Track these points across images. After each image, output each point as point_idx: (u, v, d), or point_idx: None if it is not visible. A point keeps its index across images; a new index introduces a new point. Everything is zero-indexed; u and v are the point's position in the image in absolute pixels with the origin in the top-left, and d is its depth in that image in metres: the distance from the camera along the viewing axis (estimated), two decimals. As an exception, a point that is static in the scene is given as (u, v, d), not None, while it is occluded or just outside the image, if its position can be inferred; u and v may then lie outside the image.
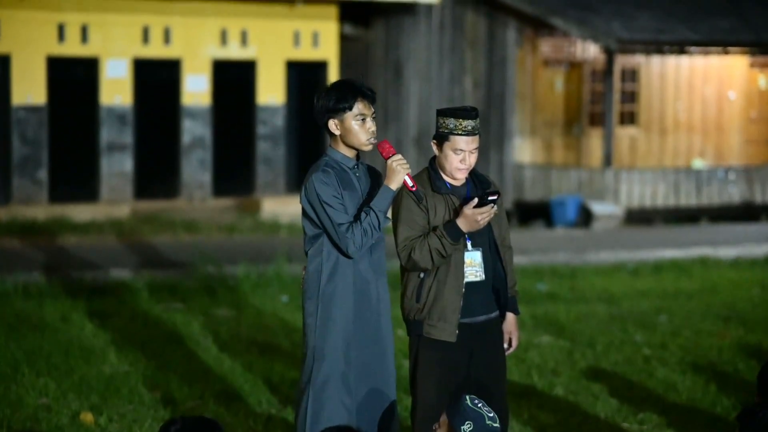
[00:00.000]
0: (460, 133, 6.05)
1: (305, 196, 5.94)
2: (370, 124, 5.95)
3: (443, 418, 5.50)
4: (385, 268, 6.10)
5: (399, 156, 5.92)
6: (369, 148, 5.99)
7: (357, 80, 6.03)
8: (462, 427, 5.39)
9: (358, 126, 5.93)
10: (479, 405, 5.47)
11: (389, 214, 6.00)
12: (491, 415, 5.45)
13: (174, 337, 10.60)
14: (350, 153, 6.00)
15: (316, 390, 5.87)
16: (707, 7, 23.47)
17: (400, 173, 5.90)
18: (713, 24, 22.80)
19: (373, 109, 5.97)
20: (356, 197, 5.95)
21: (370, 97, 5.97)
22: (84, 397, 8.42)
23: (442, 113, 6.11)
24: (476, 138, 6.09)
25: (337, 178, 5.90)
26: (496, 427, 5.42)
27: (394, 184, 5.91)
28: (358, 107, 5.92)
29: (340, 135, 5.96)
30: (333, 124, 5.95)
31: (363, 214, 5.87)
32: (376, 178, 6.11)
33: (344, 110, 5.91)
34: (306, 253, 6.03)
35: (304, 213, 5.97)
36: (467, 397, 5.51)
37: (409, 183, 5.96)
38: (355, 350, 5.91)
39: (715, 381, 9.03)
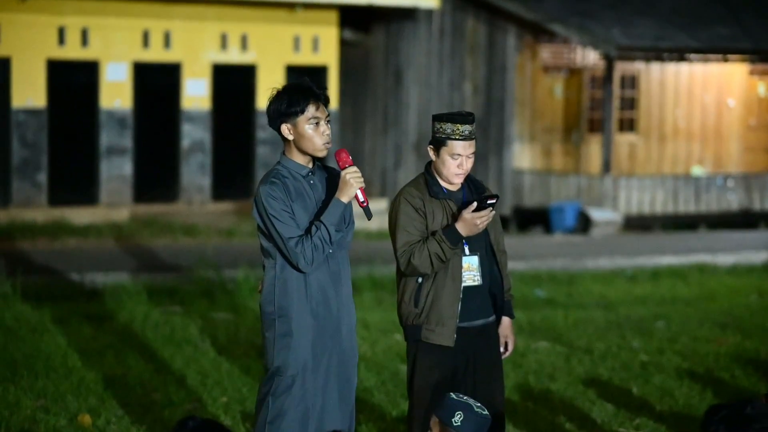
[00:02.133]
0: (456, 137, 6.06)
1: (255, 210, 5.72)
2: (325, 128, 5.71)
3: (434, 420, 5.52)
4: (349, 276, 5.87)
5: (354, 168, 5.68)
6: (323, 153, 5.75)
7: (309, 83, 5.76)
8: (452, 420, 5.41)
9: (311, 130, 5.68)
10: (464, 398, 5.51)
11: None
12: (479, 404, 5.49)
13: (172, 341, 10.61)
14: (304, 159, 5.76)
15: (276, 403, 5.72)
16: (707, 15, 23.49)
17: (352, 187, 5.66)
18: (713, 31, 22.83)
19: (327, 113, 5.74)
20: (309, 207, 5.72)
21: (323, 100, 5.73)
22: (82, 399, 8.42)
23: (438, 118, 6.10)
24: (473, 143, 6.10)
25: (286, 189, 5.66)
26: (486, 414, 5.44)
27: (345, 197, 5.67)
28: (311, 110, 5.68)
29: (294, 140, 5.72)
30: (286, 129, 5.71)
31: (314, 228, 5.63)
32: (335, 181, 5.82)
33: (296, 114, 5.67)
34: (263, 266, 5.82)
35: (258, 226, 5.75)
36: (451, 393, 5.55)
37: (360, 198, 5.72)
38: (315, 362, 5.73)
39: (712, 387, 9.04)
